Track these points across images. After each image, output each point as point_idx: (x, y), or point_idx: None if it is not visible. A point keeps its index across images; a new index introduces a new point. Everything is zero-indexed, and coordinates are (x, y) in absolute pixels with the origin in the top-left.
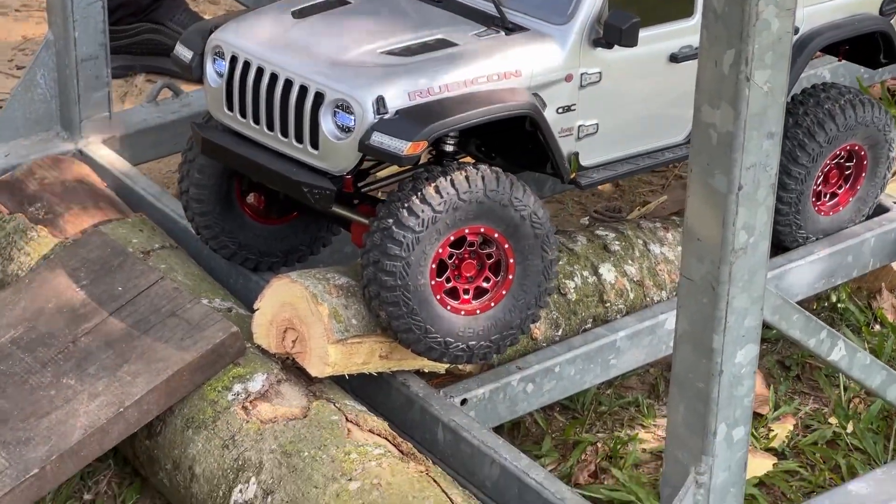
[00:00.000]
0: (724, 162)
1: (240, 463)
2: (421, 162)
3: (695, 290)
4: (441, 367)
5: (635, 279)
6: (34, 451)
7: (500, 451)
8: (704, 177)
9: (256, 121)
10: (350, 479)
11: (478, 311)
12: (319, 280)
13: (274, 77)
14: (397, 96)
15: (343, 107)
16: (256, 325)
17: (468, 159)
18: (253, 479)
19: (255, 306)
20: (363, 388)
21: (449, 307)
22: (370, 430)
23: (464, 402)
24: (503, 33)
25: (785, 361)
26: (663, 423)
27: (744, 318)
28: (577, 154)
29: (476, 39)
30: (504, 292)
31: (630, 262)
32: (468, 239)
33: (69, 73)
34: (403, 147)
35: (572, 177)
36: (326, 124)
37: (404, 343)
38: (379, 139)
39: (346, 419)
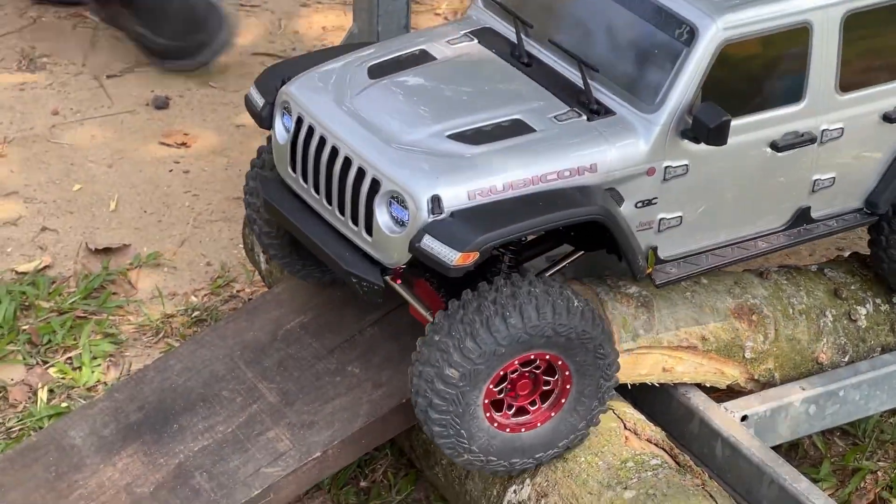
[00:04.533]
0: None
1: None
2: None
3: None
4: (723, 383)
5: None
6: (317, 434)
7: (779, 470)
8: None
9: (317, 190)
10: (626, 488)
11: (523, 430)
12: (611, 287)
13: (335, 151)
14: (455, 196)
15: (398, 199)
16: None
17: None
18: (528, 481)
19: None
20: (643, 396)
21: (496, 424)
22: (647, 440)
23: (744, 418)
24: (585, 118)
25: None
26: None
27: None
28: (655, 248)
29: (554, 124)
30: (553, 414)
31: None
32: (531, 359)
33: None
34: (453, 257)
35: (647, 272)
36: (381, 215)
37: (447, 454)
38: (429, 244)
39: (625, 427)
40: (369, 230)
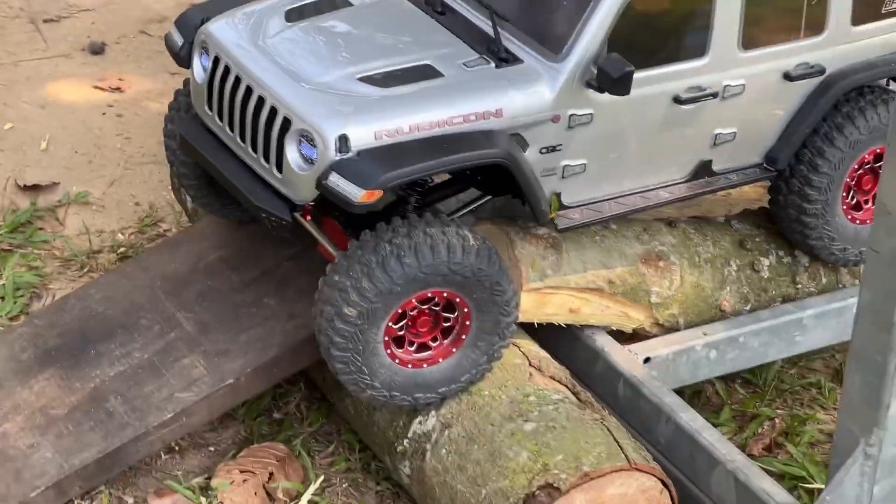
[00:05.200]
0: None
1: None
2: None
3: (881, 263)
4: (628, 327)
5: (831, 265)
6: (231, 362)
7: (676, 409)
8: None
9: (232, 128)
10: (526, 420)
11: (425, 365)
12: (522, 228)
13: (249, 90)
14: (362, 135)
15: (308, 138)
16: None
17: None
18: (433, 413)
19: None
20: (552, 338)
21: (397, 360)
22: (551, 377)
23: (647, 360)
24: (493, 65)
25: None
26: None
27: None
28: (559, 194)
29: (463, 70)
30: (455, 349)
31: None
32: (430, 297)
33: None
34: (358, 194)
35: (550, 217)
36: (291, 152)
37: (350, 390)
38: (335, 181)
39: (530, 363)
40: (280, 167)
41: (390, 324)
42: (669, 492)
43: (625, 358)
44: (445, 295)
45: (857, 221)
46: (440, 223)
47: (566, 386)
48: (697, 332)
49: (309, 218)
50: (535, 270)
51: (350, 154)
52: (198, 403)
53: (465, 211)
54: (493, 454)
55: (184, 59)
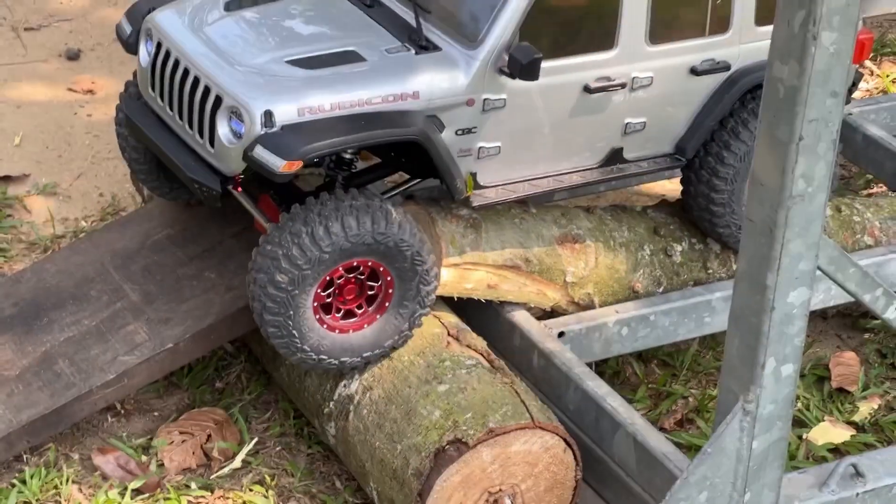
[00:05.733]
0: (788, 114)
1: None
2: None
3: (755, 231)
4: (545, 304)
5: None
6: (172, 329)
7: (584, 378)
8: (770, 128)
9: (171, 107)
10: (440, 383)
11: (351, 331)
12: (443, 208)
13: (186, 72)
14: (286, 112)
15: (237, 114)
16: None
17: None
18: (356, 376)
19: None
20: (475, 315)
21: (325, 325)
22: (468, 346)
23: (561, 334)
24: (413, 52)
25: (882, 350)
26: None
27: (798, 261)
28: (475, 174)
29: (385, 56)
30: (378, 316)
31: None
32: (355, 266)
33: None
34: (279, 164)
35: (466, 195)
36: (222, 127)
37: (282, 353)
38: (259, 153)
39: (448, 333)
40: (212, 142)
41: (319, 290)
42: (573, 451)
43: (540, 331)
44: (370, 264)
45: None
46: (365, 197)
47: (481, 354)
48: (610, 310)
49: (240, 190)
50: (455, 247)
51: (275, 129)
52: (139, 366)
53: (394, 193)
54: (408, 413)
55: (132, 46)
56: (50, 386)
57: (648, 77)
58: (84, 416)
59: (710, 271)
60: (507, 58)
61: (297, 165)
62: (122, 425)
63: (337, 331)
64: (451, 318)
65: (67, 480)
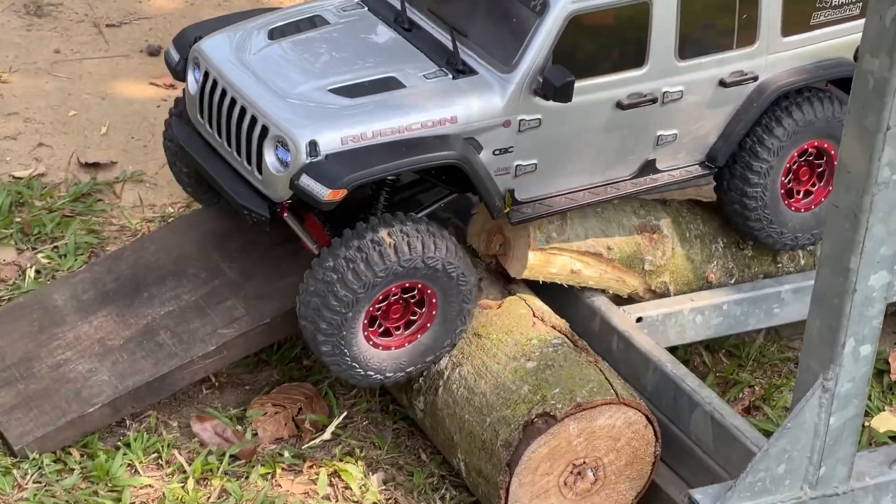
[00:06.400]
0: (877, 105)
1: None
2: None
3: (839, 216)
4: (624, 291)
5: (809, 248)
6: (269, 304)
7: (663, 359)
8: (859, 117)
9: (220, 134)
10: (528, 360)
11: (393, 348)
12: None
13: (233, 101)
14: (330, 141)
15: (283, 143)
16: (472, 228)
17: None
18: (446, 354)
19: (472, 211)
20: (556, 299)
21: (373, 343)
22: (553, 326)
23: (639, 319)
24: (451, 76)
25: None
26: None
27: (880, 245)
28: (512, 190)
29: (423, 81)
30: (421, 334)
31: None
32: (408, 287)
33: None
34: (325, 193)
35: (505, 212)
36: (269, 156)
37: (332, 370)
38: (305, 182)
39: (534, 314)
40: (259, 169)
41: (370, 311)
42: (653, 427)
43: (619, 317)
44: (420, 286)
45: (794, 209)
46: (412, 222)
47: (565, 335)
48: (685, 298)
49: (286, 214)
50: (542, 233)
51: (319, 157)
52: (237, 338)
53: (434, 206)
54: (497, 388)
55: (180, 74)
56: (153, 355)
57: (679, 91)
58: (185, 384)
59: (780, 265)
60: (541, 80)
61: (342, 193)
62: (217, 397)
63: (382, 347)
64: (535, 301)
65: (168, 445)
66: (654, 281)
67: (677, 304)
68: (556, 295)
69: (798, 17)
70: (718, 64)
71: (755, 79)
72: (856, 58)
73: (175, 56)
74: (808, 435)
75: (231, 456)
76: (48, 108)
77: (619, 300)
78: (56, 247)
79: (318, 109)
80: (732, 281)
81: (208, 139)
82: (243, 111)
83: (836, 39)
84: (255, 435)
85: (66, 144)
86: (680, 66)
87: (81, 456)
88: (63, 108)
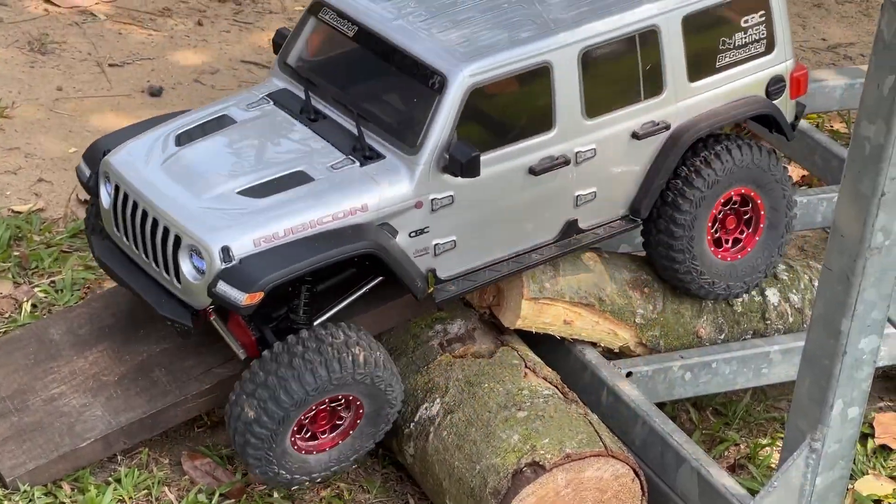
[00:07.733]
0: (873, 170)
1: (430, 386)
2: None
3: (832, 279)
4: (615, 344)
5: (797, 306)
6: None
7: (651, 414)
8: (854, 181)
9: (136, 246)
10: (519, 410)
11: (315, 452)
12: None
13: (145, 213)
14: (243, 244)
15: (197, 251)
16: None
17: None
18: (438, 400)
19: None
20: (548, 351)
21: (297, 448)
22: (544, 378)
23: (629, 374)
24: (358, 164)
25: None
26: None
27: (871, 309)
28: (433, 270)
29: (331, 172)
30: (343, 439)
31: (794, 291)
32: (338, 398)
33: None
34: (241, 298)
35: (429, 292)
36: (185, 265)
37: (258, 478)
38: (222, 288)
39: (525, 365)
40: (178, 278)
41: (299, 420)
42: (640, 481)
43: (610, 371)
44: (350, 397)
45: (722, 258)
46: (343, 333)
47: (556, 386)
48: (675, 354)
49: (213, 318)
50: (535, 283)
51: (234, 262)
52: (231, 378)
53: (358, 294)
54: (488, 436)
55: (92, 189)
56: (147, 392)
57: (591, 149)
58: (178, 421)
59: (769, 322)
60: (447, 157)
61: (259, 296)
62: (209, 435)
63: (306, 452)
64: (527, 352)
65: (159, 482)
66: (645, 335)
67: (667, 361)
68: (549, 348)
69: (703, 61)
70: (628, 117)
71: (667, 127)
72: (768, 94)
73: (86, 171)
74: (794, 494)
75: (221, 495)
76: (49, 144)
77: (610, 354)
78: (53, 282)
79: (228, 213)
80: (722, 337)
81: (127, 252)
82: (156, 222)
83: (745, 78)
84: (245, 475)
85: (65, 181)
86: (589, 124)
87: (72, 490)
88: (64, 145)
